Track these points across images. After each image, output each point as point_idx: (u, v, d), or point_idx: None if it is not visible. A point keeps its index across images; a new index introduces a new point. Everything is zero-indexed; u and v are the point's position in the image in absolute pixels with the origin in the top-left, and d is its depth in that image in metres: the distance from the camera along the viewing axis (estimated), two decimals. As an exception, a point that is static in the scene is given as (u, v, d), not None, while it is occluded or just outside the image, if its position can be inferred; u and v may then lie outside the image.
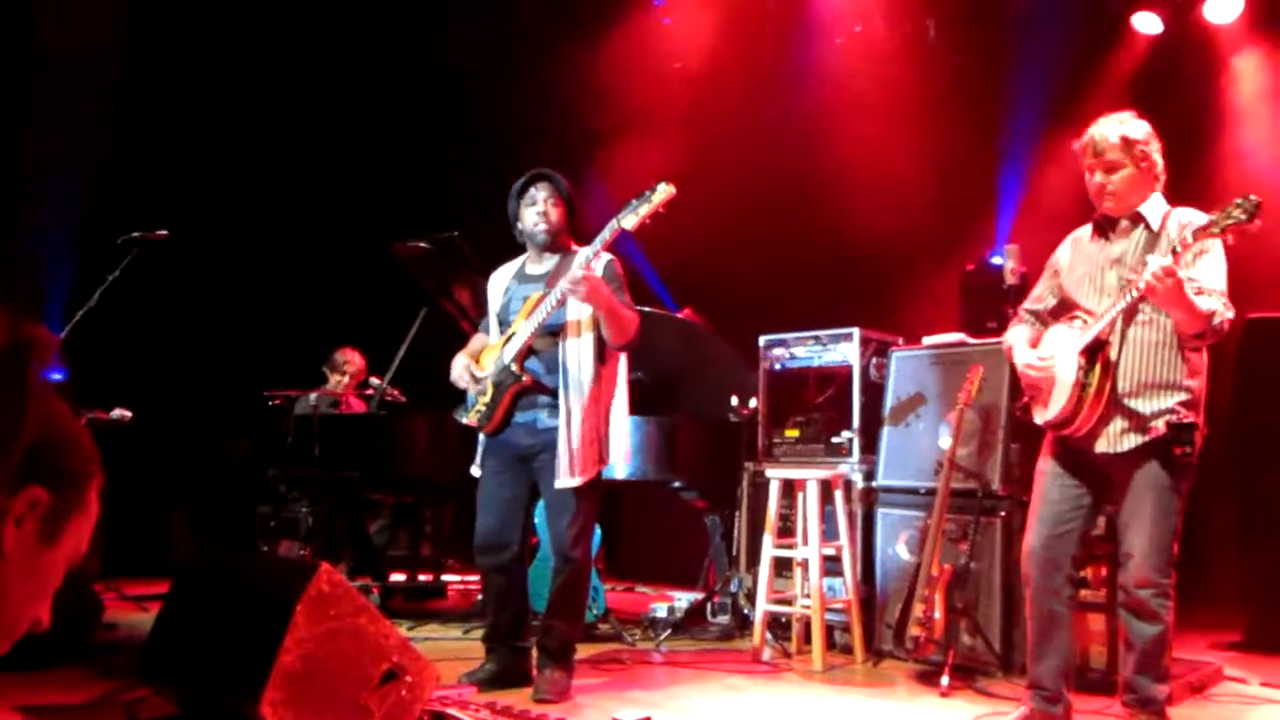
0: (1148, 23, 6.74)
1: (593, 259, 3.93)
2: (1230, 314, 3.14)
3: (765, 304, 6.99)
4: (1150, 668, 3.27)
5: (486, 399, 4.08)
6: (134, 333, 7.31)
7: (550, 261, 4.16)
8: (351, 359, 6.66)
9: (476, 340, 4.34)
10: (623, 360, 4.17)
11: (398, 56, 8.53)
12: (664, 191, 3.78)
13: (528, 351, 4.02)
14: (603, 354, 4.02)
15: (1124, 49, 6.79)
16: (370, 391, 6.37)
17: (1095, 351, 3.28)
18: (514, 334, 4.05)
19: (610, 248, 4.02)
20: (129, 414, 6.00)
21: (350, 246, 7.88)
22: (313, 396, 6.37)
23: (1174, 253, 3.05)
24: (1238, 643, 5.15)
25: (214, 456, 7.57)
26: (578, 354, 3.97)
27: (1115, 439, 3.28)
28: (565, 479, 3.90)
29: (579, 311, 3.97)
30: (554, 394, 3.98)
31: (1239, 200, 2.97)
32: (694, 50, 8.23)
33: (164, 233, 5.20)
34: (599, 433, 3.99)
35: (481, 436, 4.20)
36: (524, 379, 3.98)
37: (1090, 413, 3.27)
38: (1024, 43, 7.00)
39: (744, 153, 7.77)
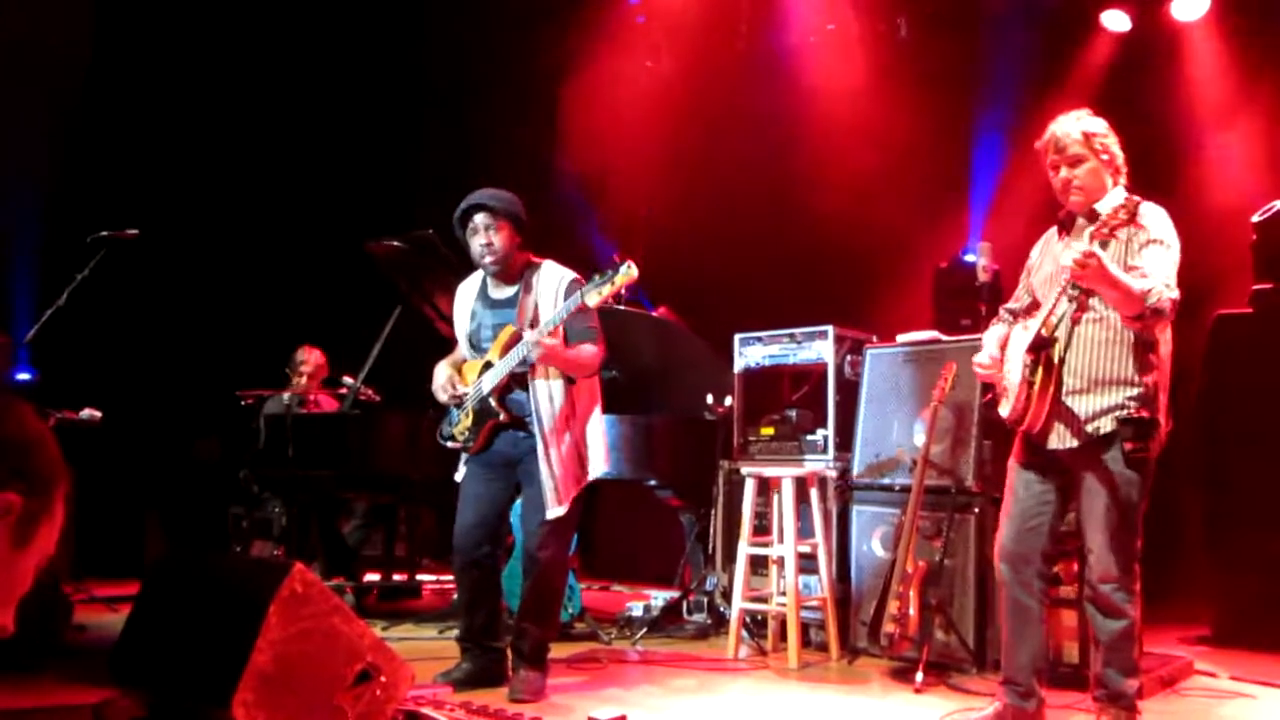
0: (1116, 20, 6.80)
1: (557, 310, 3.99)
2: (1172, 295, 3.13)
3: (740, 302, 7.00)
4: (1118, 662, 3.30)
5: (469, 423, 4.16)
6: (103, 332, 7.24)
7: (512, 286, 4.19)
8: (309, 358, 6.60)
9: (457, 352, 4.37)
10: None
11: (371, 53, 8.48)
12: (626, 274, 3.82)
13: (505, 386, 4.08)
14: (573, 377, 4.11)
15: (1093, 46, 6.85)
16: (344, 390, 6.33)
17: (1039, 349, 3.31)
18: (490, 364, 4.10)
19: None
20: (99, 414, 5.94)
21: (323, 245, 7.83)
22: (285, 396, 6.32)
23: (1103, 234, 3.10)
24: (1207, 637, 5.20)
25: (185, 457, 7.50)
26: (548, 389, 4.04)
27: (1065, 436, 3.31)
28: (554, 509, 3.98)
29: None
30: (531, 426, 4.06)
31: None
32: (667, 49, 8.23)
33: (134, 231, 5.15)
34: (578, 452, 4.06)
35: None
36: (501, 416, 4.07)
37: (1039, 410, 3.29)
38: (995, 41, 7.04)
39: (718, 152, 7.78)
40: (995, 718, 3.49)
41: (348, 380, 6.36)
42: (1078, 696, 3.74)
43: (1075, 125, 3.38)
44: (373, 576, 6.51)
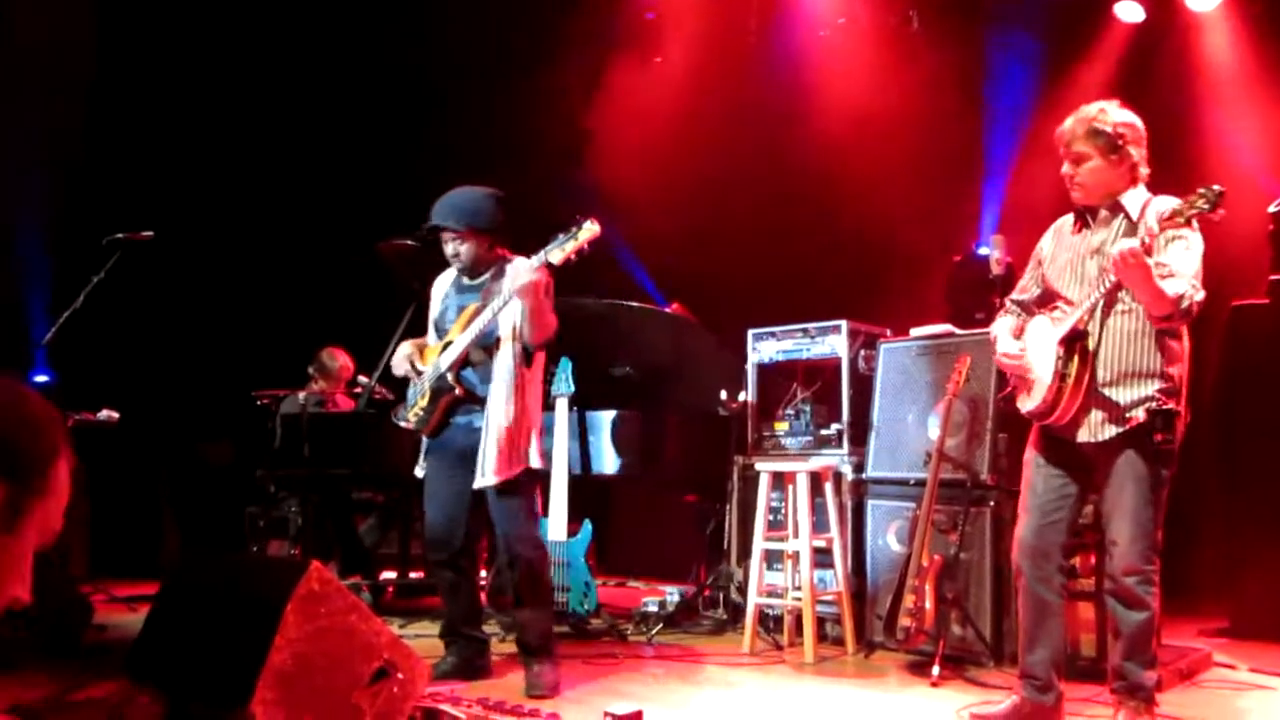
0: (1130, 11, 6.76)
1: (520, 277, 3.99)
2: (1200, 296, 3.13)
3: (753, 297, 6.99)
4: (1138, 654, 3.29)
5: (424, 403, 4.22)
6: (119, 334, 7.27)
7: (485, 274, 4.25)
8: (339, 360, 6.63)
9: (426, 337, 4.45)
10: (540, 364, 4.25)
11: (381, 54, 8.49)
12: (588, 231, 3.85)
13: (463, 362, 4.14)
14: (528, 359, 4.12)
15: (1107, 37, 6.81)
16: (359, 390, 6.34)
17: (1074, 341, 3.30)
18: (450, 343, 4.16)
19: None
20: (116, 415, 5.97)
21: (335, 245, 7.84)
22: (300, 396, 6.34)
23: (1142, 240, 3.07)
24: (1226, 629, 5.17)
25: (202, 457, 7.54)
26: (506, 364, 4.07)
27: (1096, 428, 3.29)
28: (480, 479, 4.02)
29: (509, 325, 4.08)
30: (484, 403, 4.10)
31: (1202, 190, 2.99)
32: (677, 44, 8.22)
33: (149, 234, 5.17)
34: (521, 433, 4.07)
35: (424, 437, 4.31)
36: (457, 390, 4.12)
37: (1070, 402, 3.28)
38: (1007, 33, 7.01)
39: (729, 147, 7.76)
40: (1013, 711, 3.49)
41: (362, 380, 6.38)
42: (1096, 689, 3.73)
43: (1083, 121, 3.35)
44: (389, 574, 6.53)
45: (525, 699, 3.77)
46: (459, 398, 4.14)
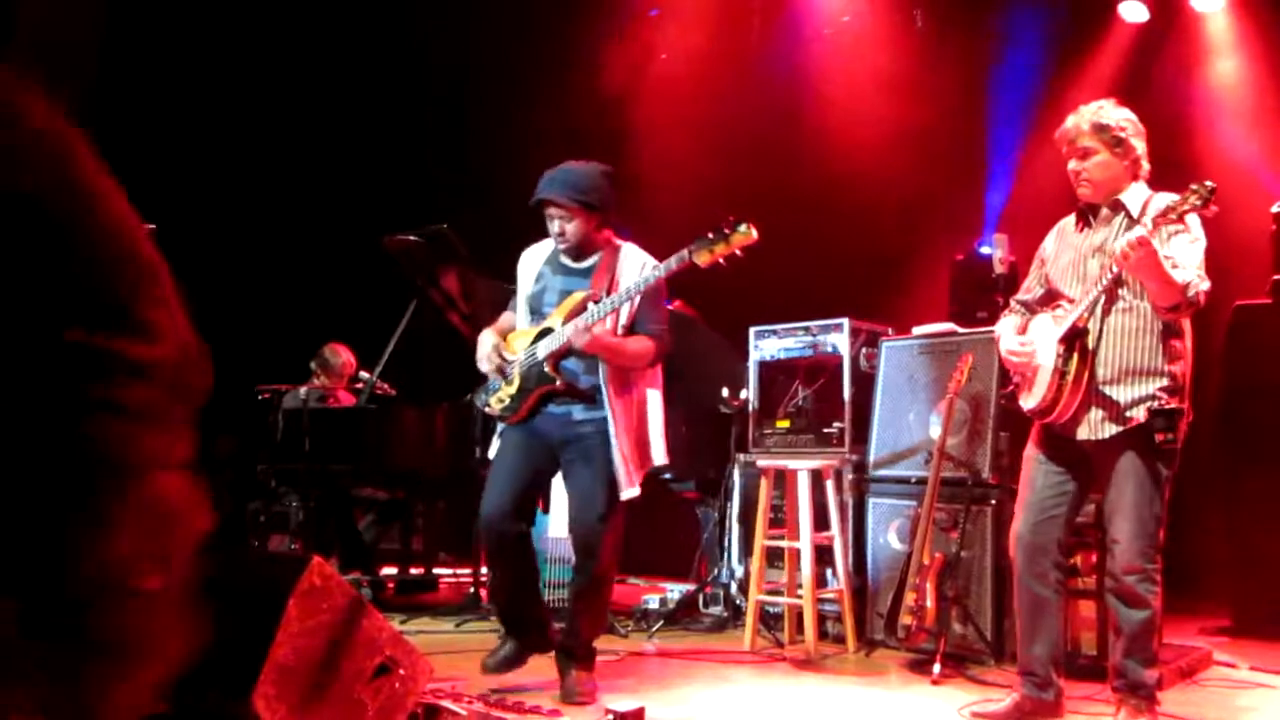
0: (1134, 11, 6.75)
1: (631, 289, 3.72)
2: (1205, 285, 3.14)
3: (755, 295, 6.98)
4: (1139, 652, 3.29)
5: (512, 390, 3.89)
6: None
7: (591, 258, 3.94)
8: (342, 356, 6.64)
9: (505, 318, 4.13)
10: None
11: (385, 48, 8.49)
12: (743, 235, 3.49)
13: (565, 353, 3.79)
14: None
15: (1111, 38, 6.80)
16: (360, 385, 6.35)
17: (1073, 339, 3.30)
18: (549, 330, 3.84)
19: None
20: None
21: (339, 239, 7.85)
22: (302, 390, 6.35)
23: (1161, 222, 3.07)
24: (1227, 628, 5.18)
25: (203, 452, 7.53)
26: (614, 366, 3.78)
27: (1097, 426, 3.30)
28: (627, 490, 3.75)
29: (623, 320, 3.81)
30: (589, 397, 3.81)
31: (1194, 186, 3.00)
32: (682, 42, 8.21)
33: (150, 226, 5.17)
34: (645, 435, 3.88)
35: (498, 423, 4.04)
36: (557, 383, 3.79)
37: (1070, 400, 3.29)
38: (1011, 32, 7.01)
39: (732, 144, 7.76)
40: (1013, 709, 3.49)
41: (364, 375, 6.39)
42: (1096, 687, 3.73)
43: (1089, 116, 3.37)
44: (390, 570, 6.54)
45: (560, 703, 3.69)
46: (557, 391, 3.80)
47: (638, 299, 3.76)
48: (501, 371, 3.92)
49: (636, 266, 3.88)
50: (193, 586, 1.00)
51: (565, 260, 3.97)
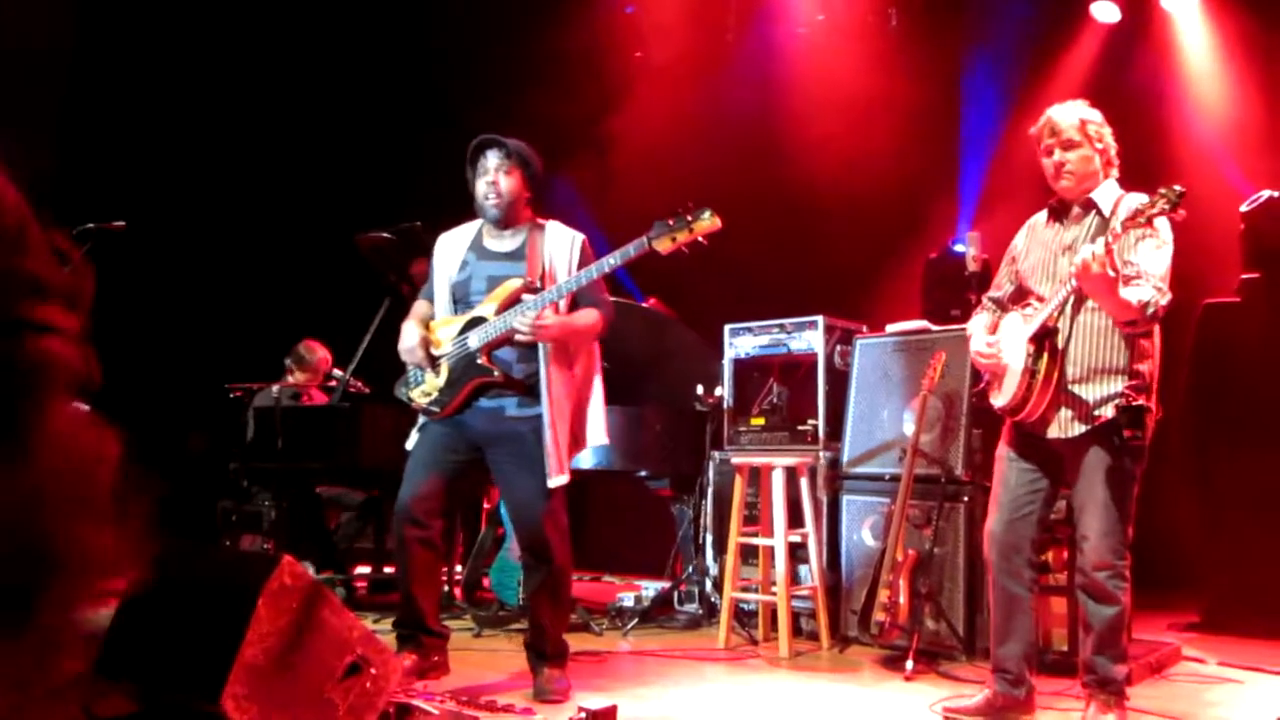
0: (1106, 11, 6.80)
1: (567, 270, 3.68)
2: (1165, 300, 3.15)
3: (730, 293, 6.99)
4: (1108, 648, 3.31)
5: (440, 383, 3.78)
6: (91, 324, 7.19)
7: (515, 238, 3.84)
8: (318, 353, 6.59)
9: (421, 307, 3.98)
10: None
11: (359, 45, 8.44)
12: (706, 222, 3.41)
13: (501, 342, 3.70)
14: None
15: (1083, 36, 6.85)
16: (333, 383, 6.31)
17: (1043, 338, 3.32)
18: (480, 319, 3.72)
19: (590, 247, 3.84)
20: (85, 408, 5.90)
21: (311, 237, 7.80)
22: (274, 389, 6.30)
23: (1107, 244, 3.07)
24: (1196, 624, 5.23)
25: (173, 450, 7.46)
26: (564, 348, 3.71)
27: (1066, 424, 3.32)
28: (556, 478, 3.66)
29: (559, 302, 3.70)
30: (525, 388, 3.72)
31: (1163, 190, 3.02)
32: (656, 39, 8.21)
33: (121, 224, 5.12)
34: (582, 421, 3.80)
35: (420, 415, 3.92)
36: (495, 374, 3.68)
37: (1040, 399, 3.31)
38: (985, 31, 7.05)
39: (707, 142, 7.76)
40: (985, 704, 3.51)
41: (337, 373, 6.34)
42: (1067, 683, 3.76)
43: (1073, 110, 3.40)
44: (363, 569, 6.49)
45: (533, 701, 3.65)
46: (494, 382, 3.68)
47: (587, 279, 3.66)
48: (430, 363, 3.80)
49: (566, 243, 3.81)
50: (119, 506, 1.04)
51: (490, 244, 3.87)
